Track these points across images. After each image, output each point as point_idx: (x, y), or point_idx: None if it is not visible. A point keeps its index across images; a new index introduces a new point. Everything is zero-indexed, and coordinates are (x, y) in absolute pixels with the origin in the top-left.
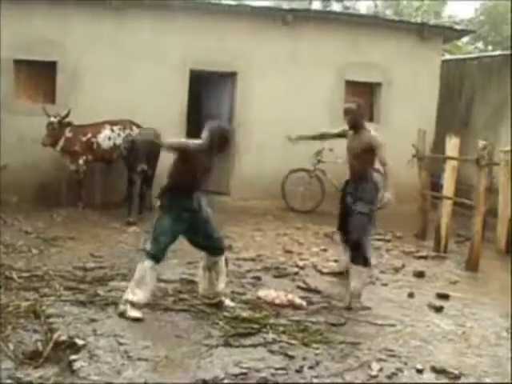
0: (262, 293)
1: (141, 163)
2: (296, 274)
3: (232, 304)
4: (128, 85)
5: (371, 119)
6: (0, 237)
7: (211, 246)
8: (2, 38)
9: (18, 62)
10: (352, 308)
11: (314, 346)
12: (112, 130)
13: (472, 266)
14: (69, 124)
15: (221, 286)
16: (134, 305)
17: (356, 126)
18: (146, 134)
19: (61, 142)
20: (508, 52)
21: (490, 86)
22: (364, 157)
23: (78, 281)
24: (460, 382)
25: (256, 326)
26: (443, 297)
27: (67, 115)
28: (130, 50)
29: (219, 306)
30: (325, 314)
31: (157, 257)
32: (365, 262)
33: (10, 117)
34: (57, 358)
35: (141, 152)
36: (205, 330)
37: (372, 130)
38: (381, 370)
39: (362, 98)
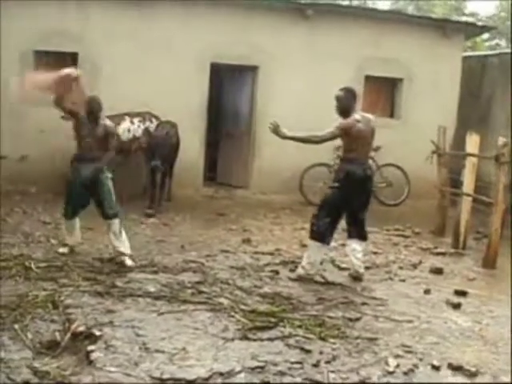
0: None
1: (154, 159)
2: None
3: (131, 263)
4: (148, 77)
5: (391, 115)
6: (19, 227)
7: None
8: (21, 30)
9: (38, 53)
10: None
11: (331, 340)
12: (132, 122)
13: (489, 263)
14: None
15: (118, 246)
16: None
17: (345, 112)
18: (164, 127)
19: None
20: None
21: (510, 83)
22: (343, 141)
23: (96, 272)
24: (476, 379)
25: (273, 319)
26: (461, 293)
27: None
28: (150, 43)
29: (122, 265)
30: (342, 309)
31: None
32: (320, 238)
33: (30, 108)
34: (74, 349)
35: (157, 148)
36: (222, 323)
37: (358, 115)
38: (398, 365)
39: (382, 94)
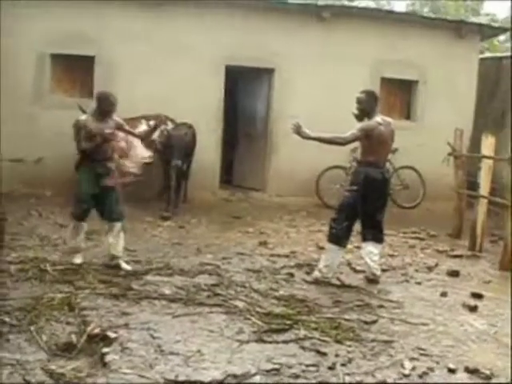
0: None
1: (175, 159)
2: None
3: (128, 267)
4: (164, 80)
5: (408, 117)
6: (35, 230)
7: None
8: (38, 32)
9: (54, 57)
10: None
11: (347, 343)
12: (148, 125)
13: (505, 265)
14: None
15: (118, 250)
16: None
17: (365, 115)
18: (181, 128)
19: None
20: None
21: (510, 84)
22: (362, 143)
23: (112, 274)
24: (491, 382)
25: (289, 322)
26: (477, 296)
27: None
28: (166, 46)
29: (118, 267)
30: (358, 312)
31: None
32: (338, 241)
33: (46, 111)
34: (90, 351)
35: (176, 147)
36: (237, 326)
37: (379, 118)
38: (413, 368)
39: (398, 96)
